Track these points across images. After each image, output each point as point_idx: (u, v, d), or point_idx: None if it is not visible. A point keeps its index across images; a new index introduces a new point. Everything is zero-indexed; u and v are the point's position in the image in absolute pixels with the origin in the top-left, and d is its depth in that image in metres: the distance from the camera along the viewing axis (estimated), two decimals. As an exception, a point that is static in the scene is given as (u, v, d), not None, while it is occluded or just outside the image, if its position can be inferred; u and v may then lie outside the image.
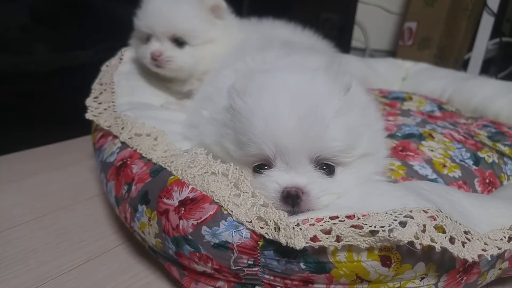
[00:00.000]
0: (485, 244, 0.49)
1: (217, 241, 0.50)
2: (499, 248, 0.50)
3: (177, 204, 0.54)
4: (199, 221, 0.51)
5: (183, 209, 0.53)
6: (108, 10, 1.27)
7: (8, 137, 1.11)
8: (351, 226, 0.46)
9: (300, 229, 0.46)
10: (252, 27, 1.03)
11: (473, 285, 0.56)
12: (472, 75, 1.55)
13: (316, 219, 0.48)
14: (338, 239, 0.46)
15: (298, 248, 0.45)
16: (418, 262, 0.48)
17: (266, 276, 0.52)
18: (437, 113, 1.11)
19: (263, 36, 0.94)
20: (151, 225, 0.57)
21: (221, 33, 0.93)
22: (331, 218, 0.48)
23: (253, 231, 0.49)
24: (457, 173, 0.75)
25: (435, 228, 0.46)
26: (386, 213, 0.47)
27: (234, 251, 0.49)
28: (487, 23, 1.82)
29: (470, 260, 0.46)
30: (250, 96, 0.56)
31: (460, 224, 0.50)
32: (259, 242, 0.49)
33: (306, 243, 0.45)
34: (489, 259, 0.49)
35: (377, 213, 0.47)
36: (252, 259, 0.50)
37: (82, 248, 0.72)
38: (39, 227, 0.78)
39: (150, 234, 0.58)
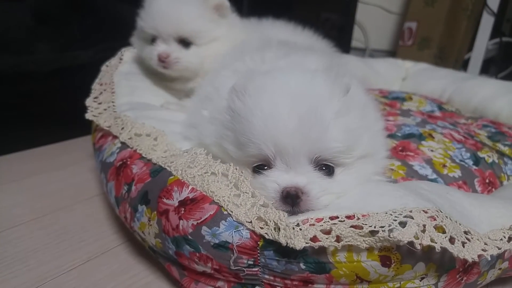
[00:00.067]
0: (485, 244, 0.49)
1: (217, 241, 0.50)
2: (499, 248, 0.50)
3: (177, 204, 0.54)
4: (199, 221, 0.51)
5: (183, 209, 0.53)
6: (108, 10, 1.27)
7: (8, 137, 1.11)
8: (351, 226, 0.46)
9: (300, 229, 0.46)
10: (252, 27, 1.03)
11: (473, 285, 0.56)
12: (472, 75, 1.55)
13: (316, 219, 0.48)
14: (338, 239, 0.46)
15: (298, 248, 0.45)
16: (418, 262, 0.48)
17: (266, 276, 0.52)
18: (437, 113, 1.11)
19: (263, 36, 0.95)
20: (151, 225, 0.57)
21: (225, 32, 0.94)
22: (331, 218, 0.48)
23: (253, 231, 0.49)
24: (457, 173, 0.74)
25: (435, 228, 0.46)
26: (386, 213, 0.47)
27: (234, 251, 0.50)
28: (487, 23, 1.82)
29: (470, 260, 0.46)
30: (250, 96, 0.56)
31: (460, 224, 0.50)
32: (259, 242, 0.49)
33: (306, 243, 0.45)
34: (489, 259, 0.49)
35: (377, 213, 0.47)
36: (252, 259, 0.50)
37: (82, 248, 0.72)
38: (39, 227, 0.78)
39: (150, 234, 0.58)
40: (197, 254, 0.52)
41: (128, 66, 1.02)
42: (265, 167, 0.56)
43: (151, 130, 0.71)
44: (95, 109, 0.84)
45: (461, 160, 0.78)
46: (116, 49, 1.04)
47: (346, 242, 0.46)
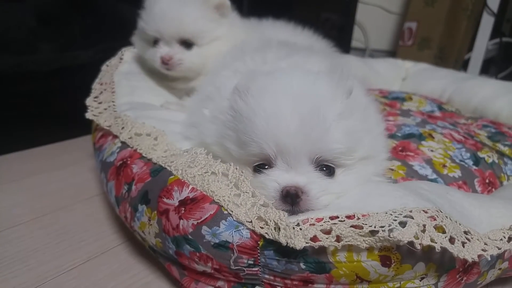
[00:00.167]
0: (485, 244, 0.49)
1: (217, 241, 0.50)
2: (499, 248, 0.50)
3: (177, 204, 0.54)
4: (199, 221, 0.51)
5: (183, 209, 0.53)
6: (108, 10, 1.27)
7: (8, 137, 1.11)
8: (351, 226, 0.46)
9: (300, 229, 0.46)
10: (252, 27, 1.03)
11: (473, 285, 0.56)
12: (472, 75, 1.55)
13: (316, 219, 0.48)
14: (338, 239, 0.46)
15: (298, 248, 0.45)
16: (418, 262, 0.48)
17: (266, 276, 0.52)
18: (437, 113, 1.11)
19: (263, 36, 0.95)
20: (151, 224, 0.57)
21: (226, 31, 0.94)
22: (331, 218, 0.48)
23: (253, 231, 0.49)
24: (457, 173, 0.75)
25: (435, 228, 0.46)
26: (386, 213, 0.47)
27: (234, 251, 0.50)
28: (487, 23, 1.82)
29: (470, 260, 0.46)
30: (252, 97, 0.56)
31: (460, 224, 0.50)
32: (259, 242, 0.49)
33: (306, 243, 0.45)
34: (489, 259, 0.49)
35: (377, 213, 0.47)
36: (252, 259, 0.50)
37: (82, 248, 0.72)
38: (39, 227, 0.78)
39: (150, 234, 0.58)
40: (197, 254, 0.52)
41: (128, 66, 1.02)
42: (266, 166, 0.56)
43: (151, 130, 0.71)
44: (95, 108, 0.84)
45: (461, 160, 0.78)
46: (116, 49, 1.04)
47: (346, 242, 0.46)
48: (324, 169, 0.56)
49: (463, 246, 0.47)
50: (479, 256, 0.47)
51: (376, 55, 2.27)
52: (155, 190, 0.58)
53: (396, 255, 0.47)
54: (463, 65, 1.97)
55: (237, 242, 0.49)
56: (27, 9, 1.11)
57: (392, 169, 0.71)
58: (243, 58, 0.78)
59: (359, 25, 2.27)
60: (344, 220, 0.47)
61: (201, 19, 0.90)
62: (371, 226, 0.45)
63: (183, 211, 0.53)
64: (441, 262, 0.49)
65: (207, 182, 0.54)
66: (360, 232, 0.46)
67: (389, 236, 0.44)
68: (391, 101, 1.19)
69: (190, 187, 0.55)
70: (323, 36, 1.11)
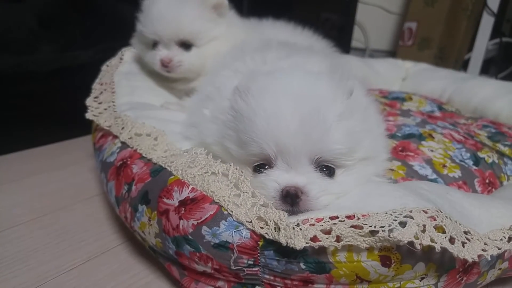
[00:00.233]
0: (485, 244, 0.49)
1: (217, 241, 0.50)
2: (499, 248, 0.50)
3: (177, 204, 0.54)
4: (199, 221, 0.51)
5: (183, 209, 0.53)
6: (108, 10, 1.27)
7: (8, 137, 1.11)
8: (351, 226, 0.46)
9: (300, 229, 0.46)
10: (252, 27, 1.03)
11: (473, 285, 0.56)
12: (472, 75, 1.55)
13: (316, 219, 0.48)
14: (338, 239, 0.46)
15: (298, 248, 0.45)
16: (418, 262, 0.48)
17: (266, 276, 0.52)
18: (437, 113, 1.11)
19: (263, 36, 0.95)
20: (151, 225, 0.57)
21: (224, 30, 0.94)
22: (331, 218, 0.48)
23: (253, 231, 0.49)
24: (457, 173, 0.75)
25: (435, 228, 0.46)
26: (386, 213, 0.47)
27: (234, 251, 0.50)
28: (487, 23, 1.82)
29: (470, 260, 0.46)
30: (253, 97, 0.56)
31: (460, 224, 0.50)
32: (259, 242, 0.49)
33: (306, 243, 0.45)
34: (489, 259, 0.49)
35: (377, 213, 0.47)
36: (252, 259, 0.50)
37: (82, 248, 0.72)
38: (39, 227, 0.78)
39: (150, 234, 0.58)
40: (197, 254, 0.52)
41: (129, 66, 1.02)
42: (266, 166, 0.56)
43: (151, 130, 0.71)
44: (95, 108, 0.84)
45: (461, 160, 0.78)
46: (116, 49, 1.04)
47: (346, 242, 0.46)
48: (324, 169, 0.56)
49: (463, 246, 0.47)
50: (479, 256, 0.47)
51: (376, 55, 2.28)
52: (155, 190, 0.58)
53: (396, 255, 0.47)
54: (463, 65, 1.97)
55: (237, 242, 0.49)
56: (27, 9, 1.11)
57: (392, 169, 0.71)
58: (243, 58, 0.78)
59: (359, 25, 2.27)
60: (344, 220, 0.47)
61: (199, 19, 0.90)
62: (371, 226, 0.46)
63: (183, 211, 0.53)
64: (441, 262, 0.49)
65: (207, 182, 0.54)
66: (360, 232, 0.46)
67: (389, 236, 0.44)
68: (391, 101, 1.19)
69: (190, 187, 0.55)
70: (323, 36, 1.11)
